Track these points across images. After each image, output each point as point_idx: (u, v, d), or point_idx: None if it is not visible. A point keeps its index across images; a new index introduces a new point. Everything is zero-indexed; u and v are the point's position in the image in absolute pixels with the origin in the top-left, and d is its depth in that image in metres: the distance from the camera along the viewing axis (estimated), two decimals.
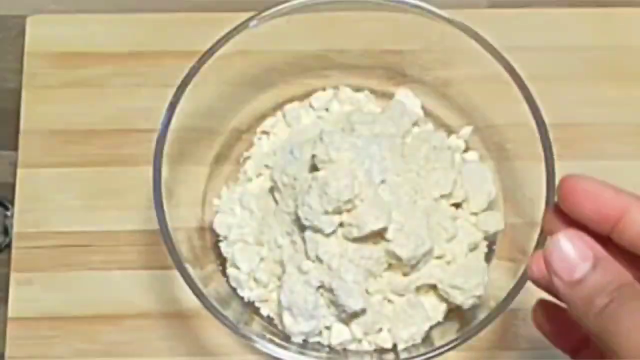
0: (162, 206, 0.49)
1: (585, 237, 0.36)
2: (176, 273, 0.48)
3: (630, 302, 0.35)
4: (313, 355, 0.50)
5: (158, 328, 0.56)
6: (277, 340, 0.50)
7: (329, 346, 0.51)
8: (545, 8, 0.64)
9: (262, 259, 0.52)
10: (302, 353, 0.49)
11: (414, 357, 0.49)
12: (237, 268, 0.52)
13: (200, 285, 0.48)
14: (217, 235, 0.54)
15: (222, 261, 0.54)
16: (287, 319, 0.50)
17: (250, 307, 0.53)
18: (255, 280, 0.52)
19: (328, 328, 0.51)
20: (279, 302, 0.50)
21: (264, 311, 0.53)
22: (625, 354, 0.34)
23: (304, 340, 0.51)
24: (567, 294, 0.36)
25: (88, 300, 0.57)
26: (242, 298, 0.53)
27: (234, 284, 0.53)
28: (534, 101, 0.50)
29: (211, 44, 0.52)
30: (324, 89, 0.57)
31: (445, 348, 0.48)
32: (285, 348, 0.49)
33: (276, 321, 0.52)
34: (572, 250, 0.36)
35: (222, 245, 0.54)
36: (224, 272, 0.54)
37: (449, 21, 0.52)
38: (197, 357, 0.56)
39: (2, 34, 0.63)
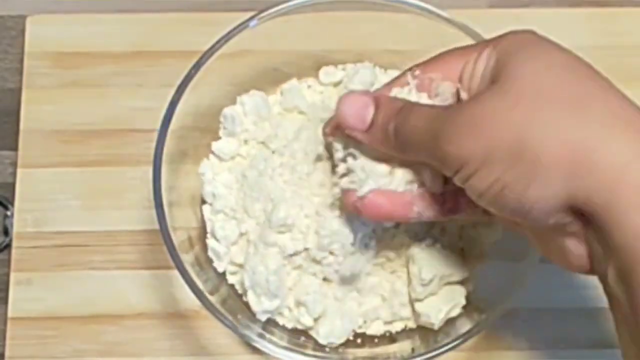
0: (162, 206, 0.49)
1: (359, 91, 0.44)
2: (176, 273, 0.48)
3: (410, 114, 0.41)
4: (313, 355, 0.50)
5: (158, 328, 0.56)
6: (277, 340, 0.50)
7: (330, 346, 0.51)
8: (545, 8, 0.64)
9: (241, 235, 0.52)
10: (302, 353, 0.49)
11: (413, 357, 0.49)
12: (217, 240, 0.52)
13: (200, 285, 0.48)
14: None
15: None
16: (251, 297, 0.50)
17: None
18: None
19: (290, 309, 0.51)
20: (243, 281, 0.51)
21: (236, 285, 0.53)
22: (417, 145, 0.41)
23: (305, 341, 0.52)
24: (369, 139, 0.43)
25: (88, 300, 0.57)
26: (241, 297, 0.53)
27: (211, 255, 0.52)
28: None
29: (211, 44, 0.52)
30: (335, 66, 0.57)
31: (445, 348, 0.48)
32: (285, 348, 0.49)
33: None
34: (355, 105, 0.43)
35: (205, 209, 0.53)
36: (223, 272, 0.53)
37: (449, 21, 0.52)
38: (197, 357, 0.56)
39: (2, 34, 0.63)
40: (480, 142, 0.38)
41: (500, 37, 0.41)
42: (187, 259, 0.49)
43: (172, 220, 0.49)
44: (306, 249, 0.49)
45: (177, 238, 0.49)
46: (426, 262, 0.50)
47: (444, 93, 0.43)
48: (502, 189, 0.38)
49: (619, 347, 0.38)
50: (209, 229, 0.53)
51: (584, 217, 0.37)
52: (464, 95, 0.42)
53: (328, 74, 0.56)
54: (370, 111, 0.42)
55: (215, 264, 0.52)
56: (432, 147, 0.40)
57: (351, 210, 0.45)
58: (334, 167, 0.47)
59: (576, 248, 0.39)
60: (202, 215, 0.53)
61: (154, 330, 0.56)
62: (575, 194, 0.36)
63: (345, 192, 0.45)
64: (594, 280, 0.39)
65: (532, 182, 0.37)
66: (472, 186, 0.39)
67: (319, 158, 0.50)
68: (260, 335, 0.49)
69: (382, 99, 0.43)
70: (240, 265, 0.52)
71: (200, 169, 0.53)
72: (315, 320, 0.51)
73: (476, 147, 0.38)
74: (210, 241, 0.52)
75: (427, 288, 0.50)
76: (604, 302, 0.39)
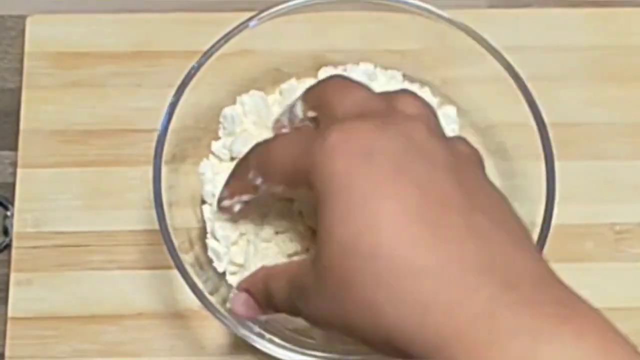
0: (162, 206, 0.49)
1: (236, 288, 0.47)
2: (176, 273, 0.48)
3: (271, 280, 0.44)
4: (313, 355, 0.50)
5: (158, 328, 0.56)
6: (277, 340, 0.49)
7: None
8: (545, 8, 0.64)
9: (241, 235, 0.52)
10: (302, 353, 0.49)
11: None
12: (217, 240, 0.52)
13: (200, 285, 0.48)
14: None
15: None
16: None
17: None
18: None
19: None
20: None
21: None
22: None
23: (305, 341, 0.51)
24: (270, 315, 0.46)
25: (88, 300, 0.57)
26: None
27: (211, 255, 0.52)
28: (534, 101, 0.50)
29: (211, 44, 0.52)
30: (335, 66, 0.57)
31: None
32: (285, 348, 0.49)
33: None
34: (240, 306, 0.46)
35: (205, 209, 0.53)
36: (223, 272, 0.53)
37: (449, 21, 0.52)
38: (197, 357, 0.56)
39: (2, 34, 0.63)
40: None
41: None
42: (187, 259, 0.49)
43: (172, 220, 0.49)
44: (307, 250, 0.49)
45: (177, 238, 0.49)
46: None
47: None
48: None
49: None
50: (209, 229, 0.52)
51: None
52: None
53: (328, 74, 0.56)
54: (250, 300, 0.45)
55: (215, 264, 0.52)
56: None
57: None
58: None
59: None
60: (202, 215, 0.53)
61: (154, 330, 0.56)
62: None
63: None
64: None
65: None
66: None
67: None
68: (260, 335, 0.49)
69: (245, 282, 0.46)
70: (241, 265, 0.52)
71: (200, 169, 0.53)
72: None
73: None
74: (210, 241, 0.52)
75: None
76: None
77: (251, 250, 0.50)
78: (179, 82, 0.51)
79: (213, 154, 0.54)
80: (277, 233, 0.49)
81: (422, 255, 0.34)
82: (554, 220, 0.48)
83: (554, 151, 0.49)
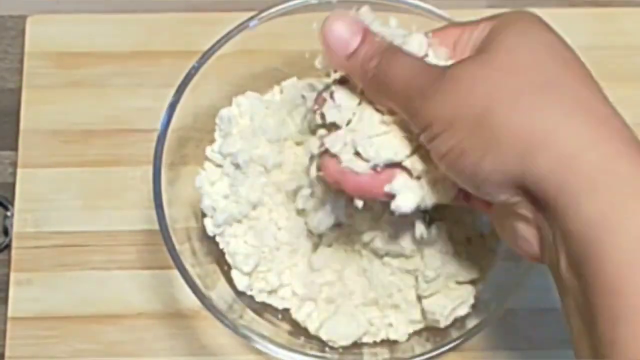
0: (162, 206, 0.49)
1: (352, 15, 0.42)
2: (176, 273, 0.48)
3: (394, 59, 0.40)
4: (313, 355, 0.50)
5: (158, 328, 0.56)
6: (277, 340, 0.50)
7: (332, 347, 0.51)
8: (545, 8, 0.63)
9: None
10: (302, 353, 0.49)
11: (413, 357, 0.49)
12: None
13: (200, 285, 0.48)
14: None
15: (222, 261, 0.54)
16: (235, 274, 0.52)
17: (253, 308, 0.53)
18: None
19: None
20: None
21: (275, 302, 0.53)
22: (394, 92, 0.40)
23: (305, 341, 0.52)
24: (344, 66, 0.42)
25: (88, 300, 0.57)
26: (240, 293, 0.53)
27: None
28: None
29: (211, 44, 0.52)
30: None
31: (445, 348, 0.48)
32: (285, 348, 0.49)
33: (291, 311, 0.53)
34: (343, 28, 0.41)
35: (207, 222, 0.53)
36: (224, 272, 0.53)
37: (449, 21, 0.52)
38: (197, 357, 0.56)
39: (2, 34, 0.63)
40: (450, 105, 0.38)
41: (501, 13, 0.42)
42: (187, 259, 0.49)
43: (172, 220, 0.49)
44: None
45: (177, 238, 0.49)
46: (432, 259, 0.49)
47: (438, 58, 0.43)
48: (461, 154, 0.38)
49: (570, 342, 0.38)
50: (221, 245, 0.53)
51: (537, 201, 0.37)
52: (451, 62, 0.42)
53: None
54: (357, 39, 0.41)
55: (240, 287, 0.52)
56: (406, 99, 0.40)
57: (330, 182, 0.44)
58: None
59: (526, 233, 0.39)
60: (202, 215, 0.53)
61: (154, 330, 0.56)
62: (527, 174, 0.36)
63: (324, 161, 0.43)
64: None
65: (487, 154, 0.37)
66: (434, 147, 0.39)
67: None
68: (261, 335, 0.49)
69: (370, 34, 0.42)
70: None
71: (197, 183, 0.53)
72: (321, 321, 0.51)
73: (445, 110, 0.38)
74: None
75: (432, 285, 0.50)
76: None
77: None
78: (179, 82, 0.51)
79: (208, 159, 0.53)
80: None
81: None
82: None
83: None
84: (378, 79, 0.41)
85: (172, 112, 0.50)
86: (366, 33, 0.41)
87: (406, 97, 0.39)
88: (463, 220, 0.51)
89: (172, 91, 0.51)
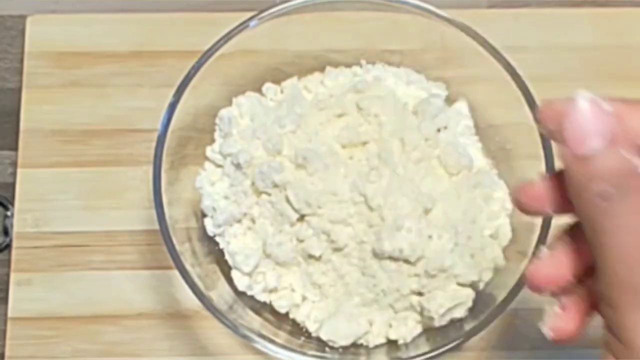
0: (162, 206, 0.49)
1: (606, 105, 0.31)
2: (176, 273, 0.48)
3: (633, 197, 0.30)
4: (313, 355, 0.50)
5: (158, 328, 0.56)
6: (277, 340, 0.50)
7: (332, 347, 0.51)
8: (545, 8, 0.64)
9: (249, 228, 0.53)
10: (302, 353, 0.49)
11: (413, 357, 0.49)
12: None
13: (200, 285, 0.48)
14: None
15: (222, 261, 0.54)
16: (235, 274, 0.52)
17: (253, 308, 0.53)
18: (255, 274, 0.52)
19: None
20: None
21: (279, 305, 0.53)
22: (606, 254, 0.31)
23: (305, 341, 0.52)
24: (569, 166, 0.32)
25: (88, 300, 0.57)
26: (240, 293, 0.53)
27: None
28: (534, 101, 0.50)
29: (211, 44, 0.52)
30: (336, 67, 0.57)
31: (444, 348, 0.48)
32: (285, 348, 0.49)
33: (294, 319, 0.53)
34: (587, 118, 0.31)
35: (207, 222, 0.53)
36: (224, 272, 0.53)
37: (449, 21, 0.52)
38: (197, 357, 0.56)
39: (2, 34, 0.63)
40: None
41: None
42: (187, 258, 0.49)
43: (172, 220, 0.49)
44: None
45: (177, 238, 0.49)
46: (434, 255, 0.49)
47: None
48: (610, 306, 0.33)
49: None
50: (221, 245, 0.53)
51: None
52: None
53: (332, 74, 0.56)
54: (599, 139, 0.31)
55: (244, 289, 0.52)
56: (613, 277, 0.32)
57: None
58: None
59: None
60: (202, 215, 0.53)
61: (154, 330, 0.56)
62: None
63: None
64: None
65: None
66: (606, 312, 0.34)
67: None
68: (261, 336, 0.49)
69: (622, 137, 0.31)
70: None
71: (197, 184, 0.53)
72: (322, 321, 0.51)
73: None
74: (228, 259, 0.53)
75: (431, 281, 0.50)
76: None
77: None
78: (179, 82, 0.51)
79: (208, 159, 0.53)
80: None
81: None
82: (554, 220, 0.48)
83: (554, 151, 0.49)
84: (595, 210, 0.31)
85: (172, 112, 0.50)
86: (614, 140, 0.31)
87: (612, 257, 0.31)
88: (477, 220, 0.52)
89: (172, 91, 0.51)
